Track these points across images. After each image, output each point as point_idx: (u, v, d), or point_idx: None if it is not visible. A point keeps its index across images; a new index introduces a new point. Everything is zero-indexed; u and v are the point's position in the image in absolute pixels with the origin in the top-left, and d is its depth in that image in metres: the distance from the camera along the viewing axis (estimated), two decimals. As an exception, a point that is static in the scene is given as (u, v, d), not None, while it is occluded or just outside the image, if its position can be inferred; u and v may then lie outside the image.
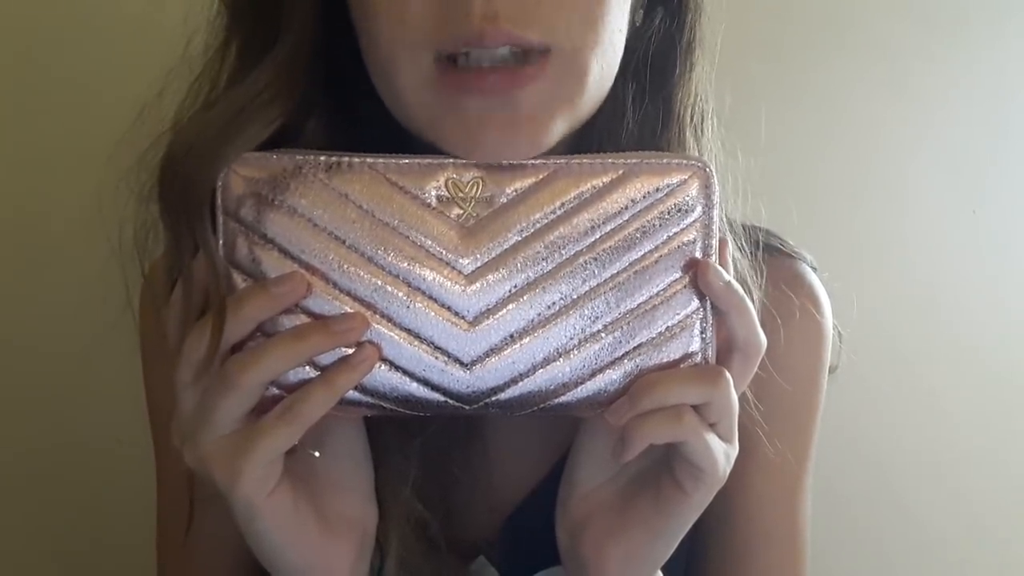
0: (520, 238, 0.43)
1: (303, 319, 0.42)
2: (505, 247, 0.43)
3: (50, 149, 0.81)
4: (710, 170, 0.43)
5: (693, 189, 0.43)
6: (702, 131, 0.51)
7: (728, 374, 0.43)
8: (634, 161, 0.43)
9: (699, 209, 0.43)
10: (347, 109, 0.48)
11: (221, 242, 0.43)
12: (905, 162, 0.86)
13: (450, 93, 0.42)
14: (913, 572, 0.92)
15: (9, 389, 0.85)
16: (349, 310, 0.42)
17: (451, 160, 0.43)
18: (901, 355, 0.87)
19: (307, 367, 0.42)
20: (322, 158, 0.42)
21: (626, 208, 0.43)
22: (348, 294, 0.42)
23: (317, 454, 0.46)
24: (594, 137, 0.49)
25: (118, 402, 0.75)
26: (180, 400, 0.43)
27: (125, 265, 0.48)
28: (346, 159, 0.42)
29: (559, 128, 0.44)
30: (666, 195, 0.43)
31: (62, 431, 0.85)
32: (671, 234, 0.43)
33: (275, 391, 0.42)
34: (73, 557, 0.88)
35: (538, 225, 0.43)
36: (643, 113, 0.50)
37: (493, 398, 0.44)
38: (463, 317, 0.43)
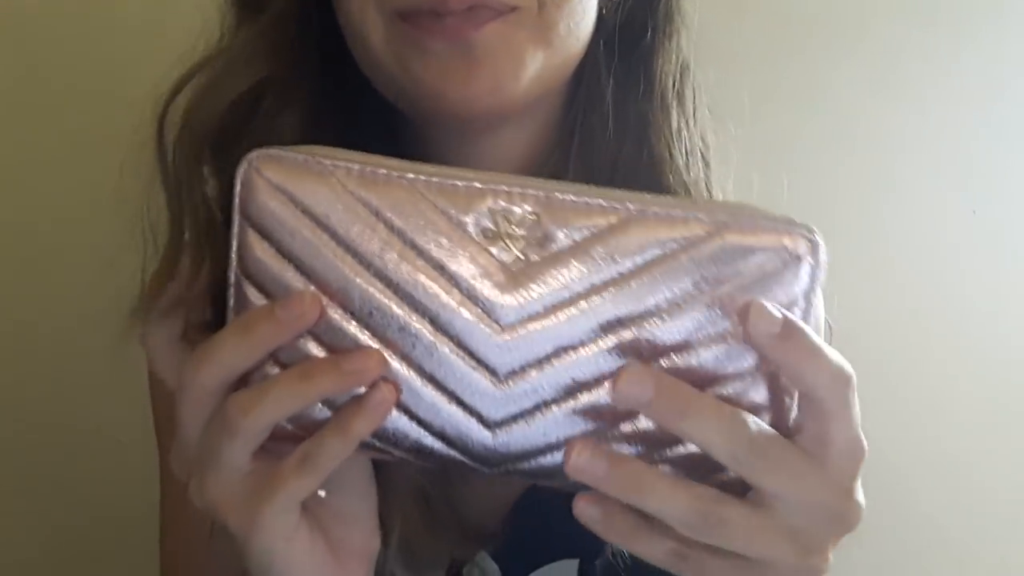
0: (571, 294, 0.36)
1: (314, 348, 0.38)
2: (553, 302, 0.36)
3: (62, 145, 0.81)
4: (817, 240, 0.35)
5: (794, 261, 0.35)
6: (684, 99, 0.52)
7: (734, 519, 0.35)
8: (724, 218, 0.35)
9: (796, 289, 0.35)
10: (342, 84, 0.50)
11: (235, 247, 0.38)
12: (905, 162, 0.86)
13: (415, 36, 0.43)
14: (913, 571, 0.92)
15: (9, 388, 0.85)
16: (366, 343, 0.37)
17: (504, 186, 0.36)
18: (900, 355, 0.87)
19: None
20: (355, 166, 0.37)
21: (707, 275, 0.35)
22: (367, 326, 0.37)
23: (323, 493, 0.43)
24: (578, 105, 0.51)
25: (118, 401, 0.75)
26: (181, 429, 0.39)
27: (146, 251, 0.50)
28: (383, 170, 0.37)
29: (523, 78, 0.44)
30: (757, 265, 0.35)
31: (61, 430, 0.85)
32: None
33: (288, 425, 0.39)
34: (72, 556, 0.89)
35: (598, 281, 0.35)
36: (624, 81, 0.50)
37: (517, 466, 0.38)
38: (493, 372, 0.37)
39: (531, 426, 0.37)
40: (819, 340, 0.34)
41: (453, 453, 0.39)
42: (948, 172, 0.86)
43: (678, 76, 0.51)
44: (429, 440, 0.38)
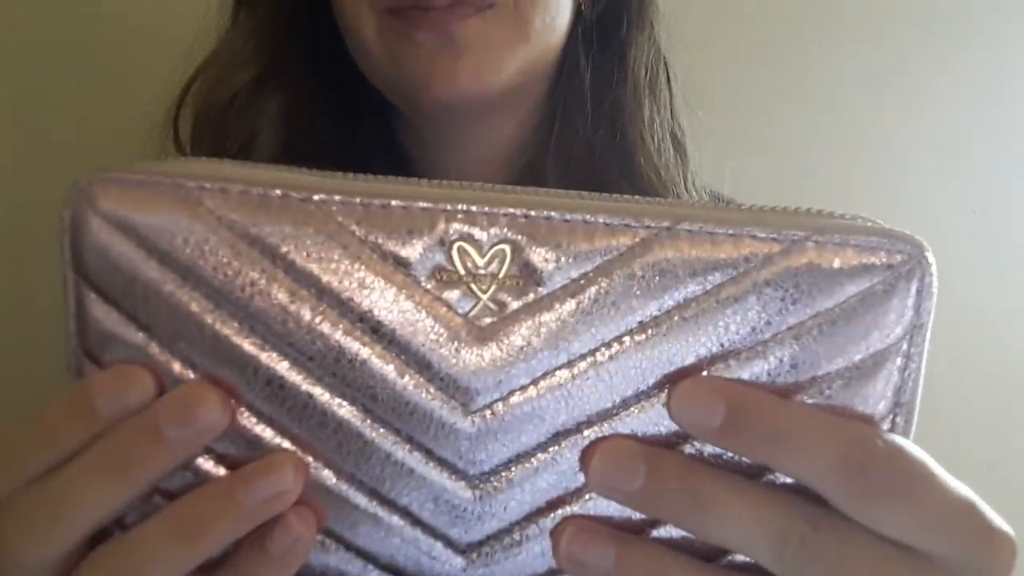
0: (569, 356, 0.25)
1: (200, 460, 0.26)
2: (544, 368, 0.25)
3: (63, 145, 0.81)
4: (927, 259, 0.26)
5: (896, 289, 0.25)
6: (656, 87, 0.54)
7: None
8: (795, 233, 0.25)
9: (899, 327, 0.26)
10: (338, 80, 0.52)
11: (72, 315, 0.26)
12: (905, 162, 0.86)
13: (404, 30, 0.45)
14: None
15: (9, 388, 0.85)
16: (272, 444, 0.25)
17: (462, 204, 0.25)
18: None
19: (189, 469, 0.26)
20: (236, 187, 0.25)
21: (773, 314, 0.25)
22: (271, 422, 0.25)
23: None
24: (559, 93, 0.53)
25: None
26: None
27: None
28: (277, 191, 0.25)
29: (503, 69, 0.46)
30: (846, 296, 0.25)
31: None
32: (842, 367, 0.25)
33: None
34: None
35: (610, 336, 0.25)
36: (602, 70, 0.53)
37: None
38: (462, 474, 0.26)
39: (522, 546, 0.26)
40: (800, 414, 0.24)
41: None
42: (948, 172, 0.86)
43: (651, 66, 0.54)
44: None
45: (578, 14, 0.52)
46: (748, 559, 0.25)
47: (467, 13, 0.44)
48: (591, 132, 0.52)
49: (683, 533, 0.26)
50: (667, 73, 0.55)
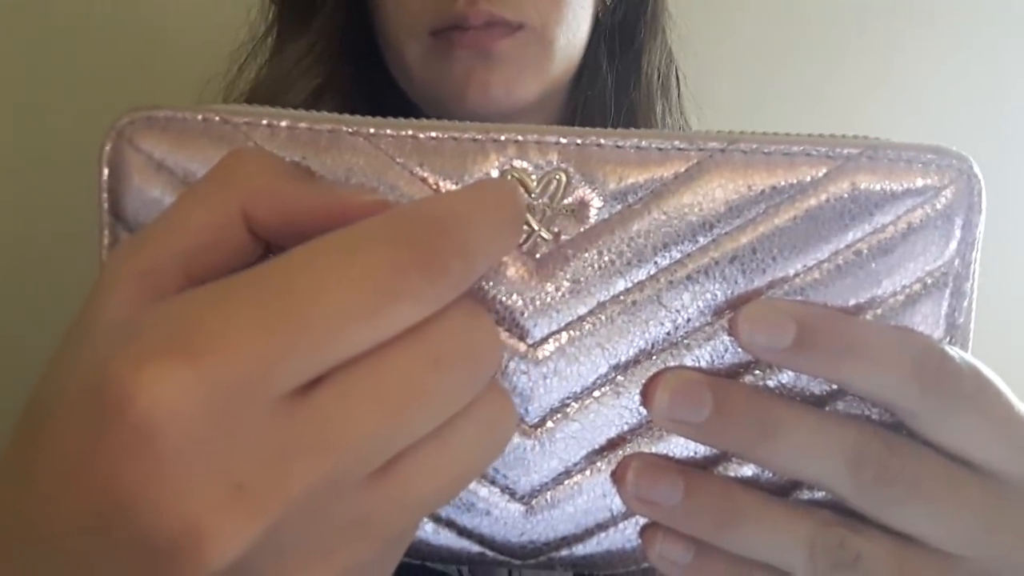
0: (628, 284, 0.24)
1: None
2: (604, 298, 0.24)
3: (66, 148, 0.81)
4: (975, 173, 0.25)
5: (947, 208, 0.24)
6: (668, 88, 0.58)
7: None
8: (848, 151, 0.25)
9: (951, 245, 0.25)
10: (370, 82, 0.55)
11: (105, 255, 0.25)
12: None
13: (443, 48, 0.49)
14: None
15: (10, 389, 0.85)
16: None
17: (515, 135, 0.24)
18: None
19: None
20: (283, 123, 0.24)
21: (829, 235, 0.24)
22: None
23: None
24: (579, 96, 0.56)
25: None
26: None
27: None
28: (327, 126, 0.24)
29: (531, 85, 0.50)
30: (899, 216, 0.24)
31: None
32: (899, 286, 0.24)
33: None
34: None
35: (668, 261, 0.24)
36: (619, 74, 0.57)
37: (562, 552, 0.26)
38: (521, 417, 0.25)
39: (584, 490, 0.25)
40: (870, 327, 0.24)
41: (469, 545, 0.26)
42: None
43: (663, 68, 0.58)
44: (428, 529, 0.26)
45: (596, 24, 0.55)
46: (815, 496, 0.25)
47: (501, 33, 0.48)
48: None
49: (747, 473, 0.25)
50: (677, 74, 0.59)
